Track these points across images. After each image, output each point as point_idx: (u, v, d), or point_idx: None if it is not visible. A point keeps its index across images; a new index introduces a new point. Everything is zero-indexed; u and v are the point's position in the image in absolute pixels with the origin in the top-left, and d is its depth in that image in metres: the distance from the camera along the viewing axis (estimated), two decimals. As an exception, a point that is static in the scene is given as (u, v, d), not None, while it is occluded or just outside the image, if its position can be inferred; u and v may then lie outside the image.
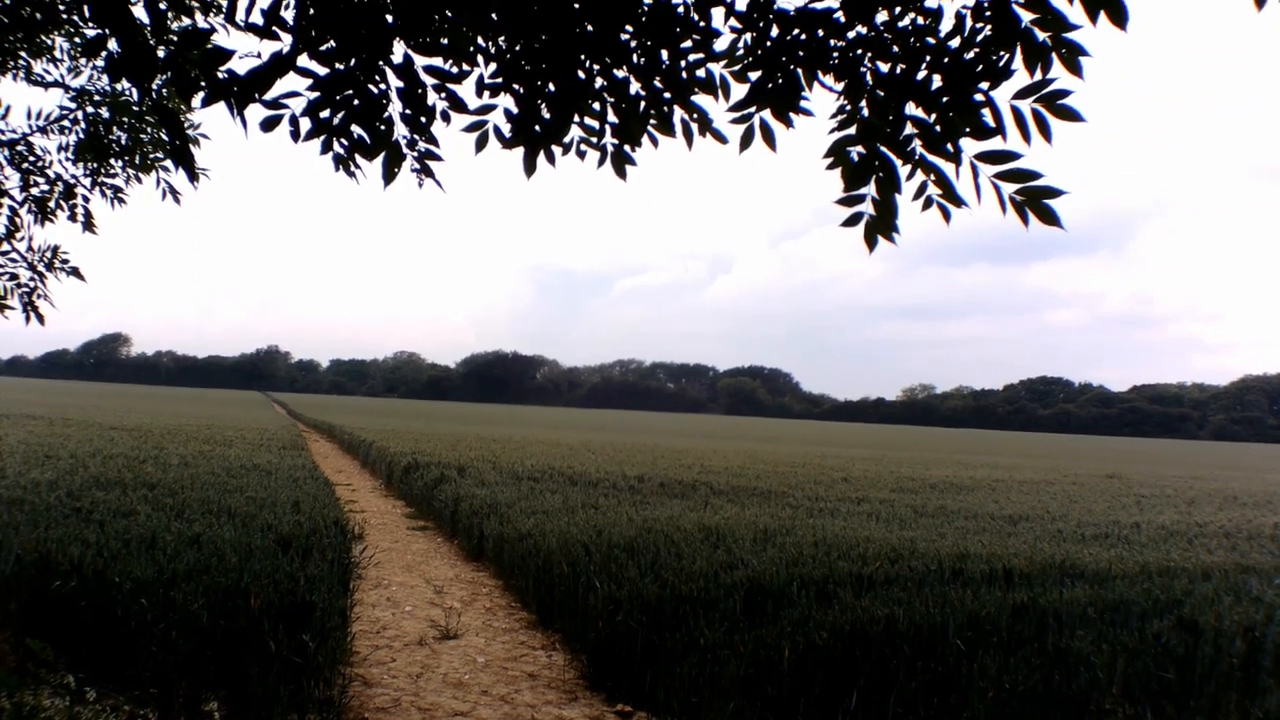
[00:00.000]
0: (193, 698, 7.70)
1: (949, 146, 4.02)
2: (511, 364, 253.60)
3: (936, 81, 3.97)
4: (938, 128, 4.02)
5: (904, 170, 4.20)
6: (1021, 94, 3.80)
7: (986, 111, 3.88)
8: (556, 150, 4.77)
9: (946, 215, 4.21)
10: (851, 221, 4.33)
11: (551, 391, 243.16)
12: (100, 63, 8.50)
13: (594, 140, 4.98)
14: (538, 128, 4.56)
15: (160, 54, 3.72)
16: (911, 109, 4.07)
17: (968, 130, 3.94)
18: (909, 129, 4.10)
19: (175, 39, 3.75)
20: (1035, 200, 3.92)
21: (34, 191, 8.28)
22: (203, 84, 3.87)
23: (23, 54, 8.23)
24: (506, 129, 4.65)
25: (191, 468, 20.54)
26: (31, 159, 8.29)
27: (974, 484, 30.47)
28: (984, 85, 3.87)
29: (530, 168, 4.68)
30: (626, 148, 4.93)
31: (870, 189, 4.27)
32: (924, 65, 4.02)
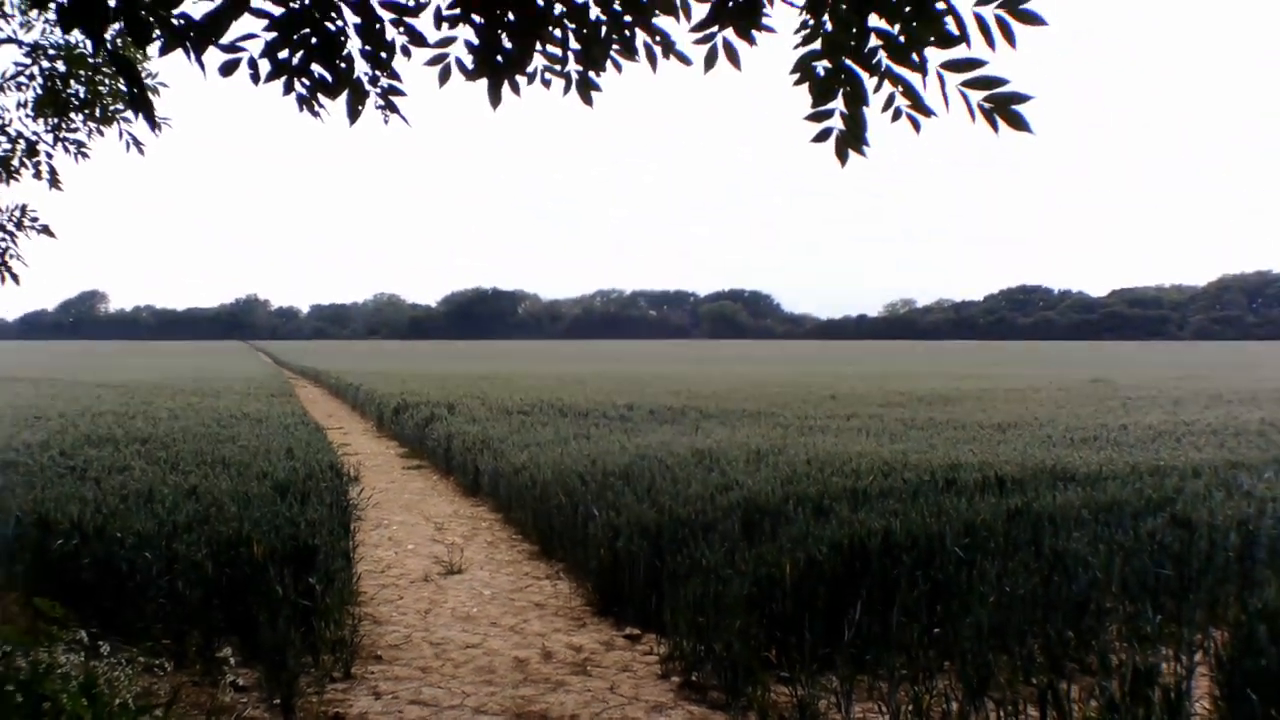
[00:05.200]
0: (205, 645, 7.79)
1: (914, 57, 4.01)
2: (492, 300, 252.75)
3: (898, -8, 3.97)
4: (901, 38, 4.00)
5: (871, 83, 4.19)
6: (984, 0, 3.80)
7: (950, 20, 3.86)
8: (521, 80, 4.73)
9: (916, 125, 4.22)
10: (821, 137, 4.34)
11: (534, 326, 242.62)
12: (52, 15, 8.37)
13: (558, 68, 4.96)
14: (500, 58, 4.51)
15: (111, 1, 3.68)
16: (875, 21, 4.06)
17: (932, 40, 3.93)
18: (873, 41, 4.09)
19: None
20: (1003, 106, 3.93)
21: (-4, 151, 8.19)
22: (157, 31, 3.83)
23: (-29, 10, 8.12)
24: (469, 60, 4.59)
25: (182, 420, 20.59)
26: (-11, 118, 8.19)
27: (960, 395, 30.70)
28: (946, -7, 3.87)
29: (495, 99, 4.65)
30: (591, 74, 4.92)
31: (838, 103, 4.26)
32: (884, -25, 4.02)
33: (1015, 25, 3.78)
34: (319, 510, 10.31)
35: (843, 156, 4.36)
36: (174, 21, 3.85)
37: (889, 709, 6.29)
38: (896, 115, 4.22)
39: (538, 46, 4.67)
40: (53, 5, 3.73)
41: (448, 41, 4.63)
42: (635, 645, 8.58)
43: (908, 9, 3.93)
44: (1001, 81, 3.90)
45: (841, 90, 4.24)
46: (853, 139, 4.31)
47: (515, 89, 4.72)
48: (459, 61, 4.68)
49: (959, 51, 3.90)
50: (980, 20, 3.80)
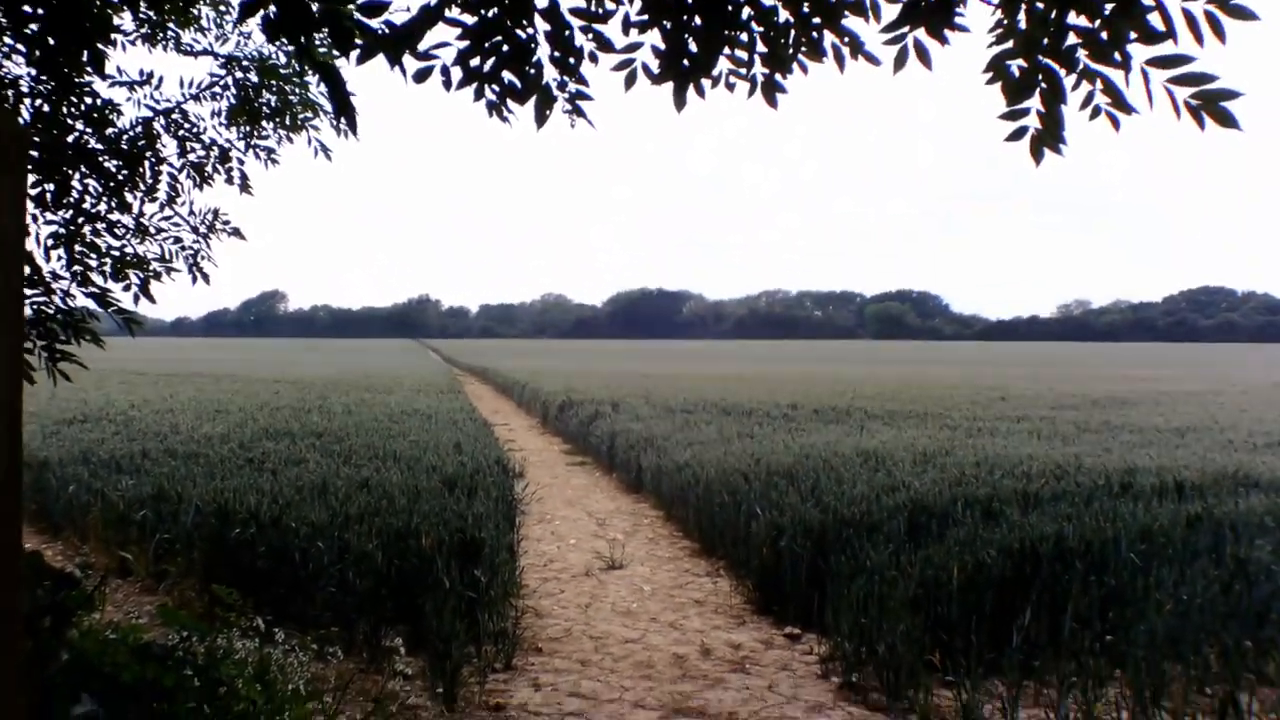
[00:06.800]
0: (373, 634, 7.97)
1: (1116, 54, 3.87)
2: (657, 300, 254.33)
3: (1098, -12, 3.82)
4: (1103, 35, 3.86)
5: (1068, 81, 4.06)
6: (1191, -6, 3.62)
7: (1155, 16, 3.71)
8: (705, 83, 4.74)
9: (1116, 124, 4.05)
10: (1016, 136, 4.20)
11: (698, 325, 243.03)
12: (248, 29, 8.69)
13: (743, 71, 4.91)
14: (685, 62, 4.53)
15: (314, 10, 3.79)
16: (1073, 18, 3.92)
17: (1135, 36, 3.78)
18: (1071, 39, 3.96)
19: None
20: (1211, 104, 3.74)
21: (191, 157, 8.52)
22: (357, 40, 3.93)
23: (171, 25, 8.46)
24: (654, 65, 4.63)
25: (355, 415, 21.11)
26: (187, 126, 8.53)
27: (1137, 397, 29.68)
28: (1151, -12, 3.71)
29: (680, 102, 4.66)
30: (777, 76, 4.86)
31: (1034, 102, 4.13)
32: (1084, -28, 3.87)
33: (1225, 19, 3.61)
34: (485, 504, 10.46)
35: (1037, 155, 4.23)
36: (375, 30, 3.95)
37: (1057, 717, 6.09)
38: (1095, 113, 4.06)
39: (723, 50, 4.67)
40: (259, 16, 3.84)
41: (634, 47, 4.66)
42: (795, 645, 8.50)
43: (1110, 5, 3.79)
44: (1210, 78, 3.72)
45: (1038, 89, 4.11)
46: (1049, 138, 4.18)
47: (700, 92, 4.73)
48: (645, 66, 4.71)
49: (1164, 48, 3.74)
50: (1188, 15, 3.63)
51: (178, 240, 8.10)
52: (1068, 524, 8.96)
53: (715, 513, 11.77)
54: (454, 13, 4.18)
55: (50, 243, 7.08)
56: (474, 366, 63.32)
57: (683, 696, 7.14)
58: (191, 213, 8.25)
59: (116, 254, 7.46)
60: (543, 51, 4.43)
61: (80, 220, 7.29)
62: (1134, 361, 73.84)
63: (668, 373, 46.79)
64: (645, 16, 4.49)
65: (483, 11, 4.20)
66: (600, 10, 4.48)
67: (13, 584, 2.36)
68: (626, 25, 4.59)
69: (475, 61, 4.31)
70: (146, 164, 7.94)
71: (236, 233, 8.52)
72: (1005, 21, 4.11)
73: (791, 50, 4.69)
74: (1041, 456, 13.82)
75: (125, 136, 7.83)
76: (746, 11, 4.57)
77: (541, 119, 4.69)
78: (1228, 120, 3.77)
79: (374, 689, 7.00)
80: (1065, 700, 6.17)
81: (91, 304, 7.03)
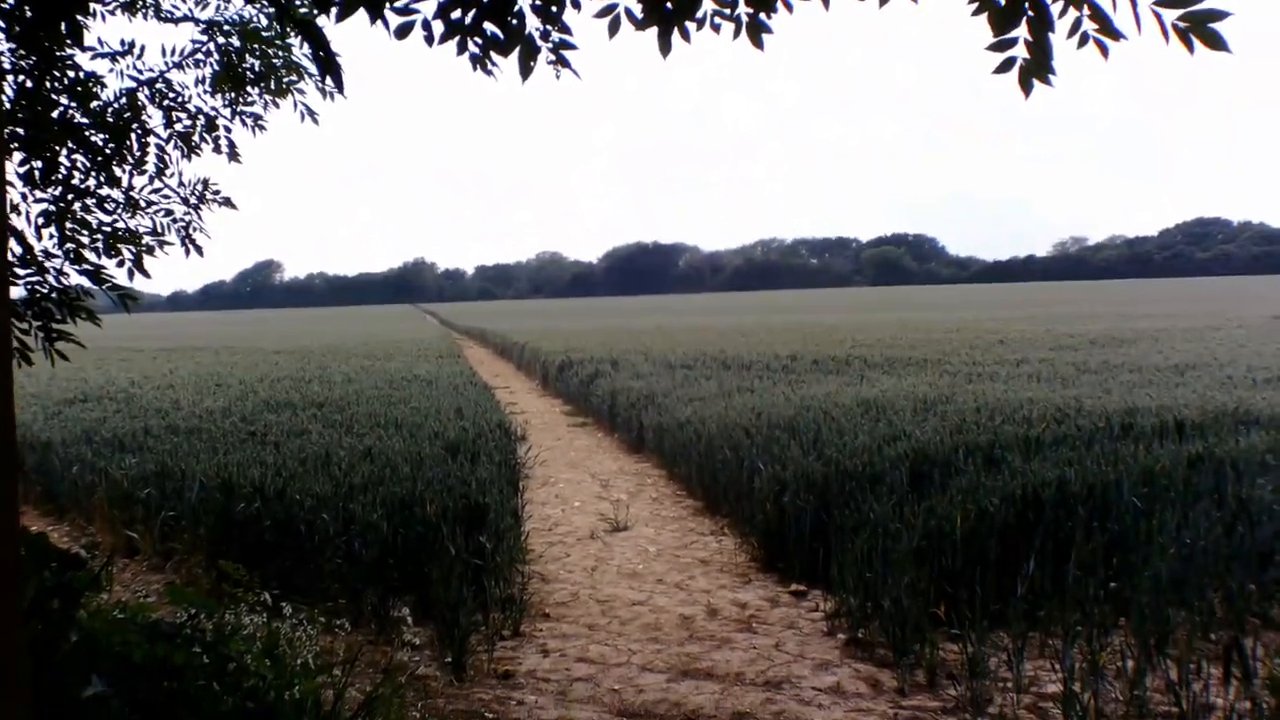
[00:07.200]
0: (380, 604, 8.00)
1: (1104, -22, 3.81)
2: (653, 254, 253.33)
3: (1085, -90, 3.76)
4: (1090, -42, 3.80)
5: (1055, 8, 4.01)
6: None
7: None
8: (690, 26, 4.67)
9: (1104, 50, 3.99)
10: (1004, 67, 4.14)
11: (695, 278, 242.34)
12: (227, -9, 8.56)
13: (727, 11, 4.84)
14: (669, 5, 4.46)
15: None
16: (1059, -58, 3.86)
17: (1122, -42, 3.73)
18: (1058, -37, 3.90)
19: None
20: (1199, 25, 3.69)
21: (177, 127, 8.42)
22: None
23: (150, -10, 8.35)
24: (638, 10, 4.56)
25: (355, 383, 21.14)
26: (172, 95, 8.43)
27: (1135, 335, 29.68)
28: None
29: (665, 47, 4.59)
30: (761, 15, 4.80)
31: (1021, 31, 4.06)
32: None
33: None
34: (489, 469, 10.49)
35: (1026, 87, 4.16)
36: None
37: (1063, 667, 6.10)
38: (1084, 41, 4.00)
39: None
40: None
41: (617, -9, 4.58)
42: (801, 601, 8.52)
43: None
44: (1196, -1, 3.67)
45: (1024, 17, 4.05)
46: (1038, 68, 4.11)
47: (685, 35, 4.65)
48: (628, 11, 4.63)
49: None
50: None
51: (169, 213, 8.03)
52: (1069, 469, 8.98)
53: (718, 469, 11.78)
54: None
55: (41, 221, 7.02)
56: (473, 329, 63.27)
57: (690, 658, 7.16)
58: (181, 184, 8.17)
59: (108, 230, 7.39)
60: (524, 1, 4.37)
61: (70, 197, 7.22)
62: (1132, 299, 73.76)
63: (666, 327, 46.76)
64: (627, -41, 4.42)
65: (462, -39, 4.14)
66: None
67: (11, 573, 2.34)
68: (609, -31, 4.52)
69: (456, 14, 4.25)
70: (133, 136, 7.86)
71: (227, 202, 8.44)
72: (991, -53, 4.04)
73: (777, -13, 4.62)
74: (1042, 400, 13.83)
75: (110, 109, 7.75)
76: (730, -51, 4.50)
77: (526, 71, 4.62)
78: (1217, 42, 3.72)
79: (383, 660, 7.02)
80: (1070, 650, 6.18)
81: (86, 282, 6.99)
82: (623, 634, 7.76)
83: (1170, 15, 3.72)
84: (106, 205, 7.54)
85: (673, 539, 10.75)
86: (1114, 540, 7.64)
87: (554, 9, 4.47)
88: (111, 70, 7.89)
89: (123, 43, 7.84)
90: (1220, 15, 3.69)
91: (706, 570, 9.52)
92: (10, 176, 6.71)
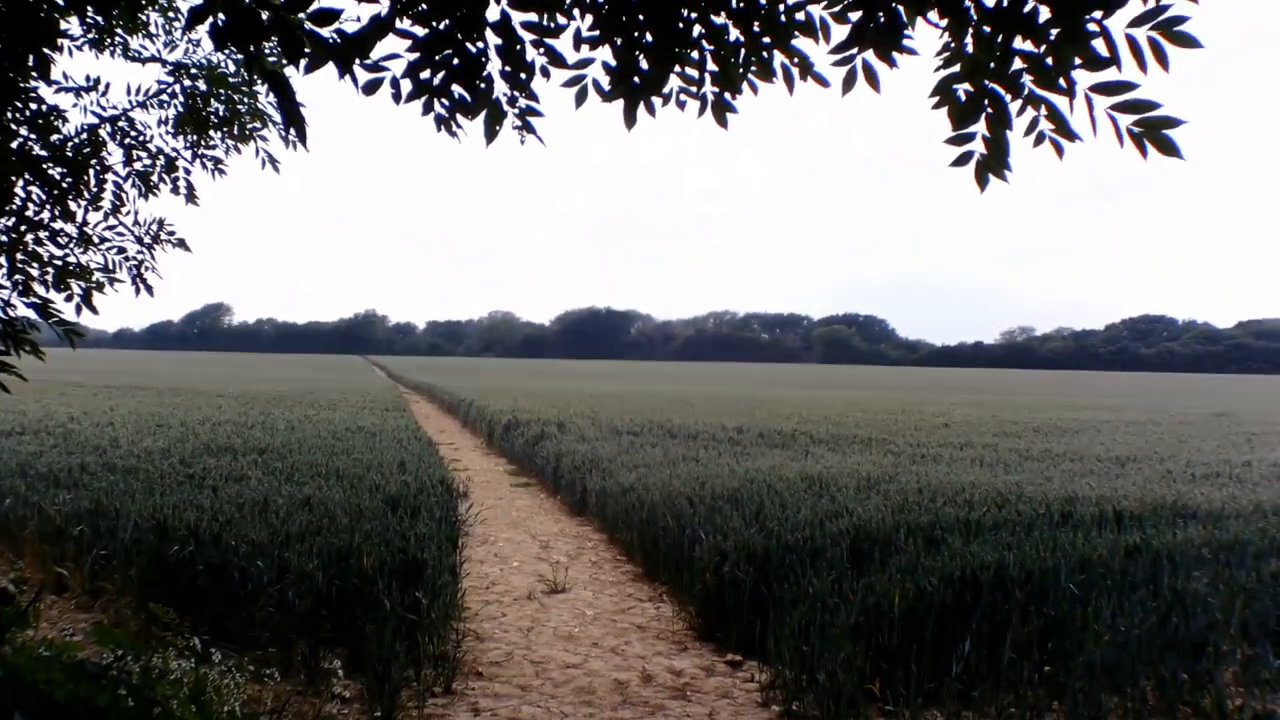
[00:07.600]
0: (311, 655, 7.88)
1: (1061, 80, 3.90)
2: (605, 319, 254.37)
3: (1045, 13, 3.84)
4: (1049, 60, 3.89)
5: (1014, 106, 4.09)
6: (1136, 22, 3.66)
7: (1099, 42, 3.75)
8: (656, 101, 4.73)
9: (1059, 150, 4.08)
10: (961, 161, 4.22)
11: (645, 346, 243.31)
12: (197, 36, 8.59)
13: (693, 90, 4.91)
14: (637, 79, 4.51)
15: (264, 17, 3.75)
16: (1020, 43, 3.95)
17: (1079, 62, 3.82)
18: (1017, 63, 3.98)
19: (277, 3, 3.77)
20: (1154, 131, 3.78)
21: (137, 166, 8.40)
22: (306, 48, 3.89)
23: (119, 30, 8.35)
24: (605, 82, 4.61)
25: (298, 432, 20.95)
26: (133, 134, 8.41)
27: (1079, 426, 29.99)
28: (1097, 14, 3.74)
29: (630, 120, 4.64)
30: (727, 95, 4.86)
31: (980, 127, 4.14)
32: (1030, -3, 3.90)
33: (1169, 48, 3.65)
34: (428, 525, 10.39)
35: (982, 182, 4.24)
36: (325, 39, 3.90)
37: (996, 748, 6.11)
38: (1040, 139, 4.08)
39: (675, 68, 4.66)
40: (208, 23, 3.78)
41: (586, 63, 4.62)
42: (736, 672, 8.48)
43: (1055, 31, 3.81)
44: (1153, 105, 3.75)
45: (984, 114, 4.13)
46: (994, 163, 4.18)
47: (651, 110, 4.71)
48: (596, 83, 4.68)
49: (1109, 74, 3.77)
50: (1132, 42, 3.67)
51: (121, 250, 7.98)
52: (1008, 552, 9.03)
53: (659, 536, 11.75)
54: (405, 24, 4.14)
55: (-9, 251, 6.95)
56: (420, 384, 62.99)
57: (623, 723, 7.10)
58: (136, 222, 8.13)
59: (59, 263, 7.32)
60: (494, 66, 4.38)
61: (22, 228, 7.14)
62: (1076, 390, 74.64)
63: (615, 392, 46.76)
64: (597, 32, 4.47)
65: (434, 24, 4.16)
66: (552, 25, 4.44)
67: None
68: (578, 41, 4.56)
69: (425, 74, 4.27)
70: (91, 172, 7.83)
71: (182, 244, 8.40)
72: (953, 45, 4.11)
73: (742, 70, 4.68)
74: (984, 484, 13.93)
75: (70, 143, 7.72)
76: (698, 29, 4.56)
77: (491, 134, 4.65)
78: (1169, 148, 3.80)
79: (311, 711, 6.92)
80: (1003, 731, 6.19)
81: (32, 314, 6.91)
82: (555, 696, 7.68)
83: (1126, 120, 3.81)
84: (59, 239, 7.47)
85: (611, 603, 10.68)
86: (1050, 625, 7.67)
87: (523, 76, 4.50)
88: (75, 105, 7.88)
89: (88, 79, 7.84)
90: (1175, 122, 3.78)
91: (643, 636, 9.46)
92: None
